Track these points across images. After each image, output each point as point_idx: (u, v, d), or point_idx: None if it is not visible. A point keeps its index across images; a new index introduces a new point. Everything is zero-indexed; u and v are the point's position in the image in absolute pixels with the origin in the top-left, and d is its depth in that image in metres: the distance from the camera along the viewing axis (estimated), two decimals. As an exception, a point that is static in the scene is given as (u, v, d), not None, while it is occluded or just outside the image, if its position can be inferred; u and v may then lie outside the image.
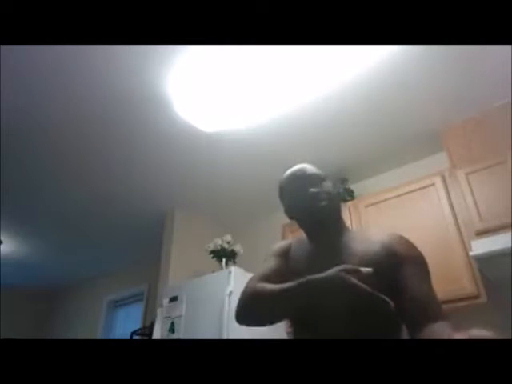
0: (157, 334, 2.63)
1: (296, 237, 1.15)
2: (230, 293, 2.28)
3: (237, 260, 2.81)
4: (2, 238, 3.91)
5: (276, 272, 1.03)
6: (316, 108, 2.34)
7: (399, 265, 0.92)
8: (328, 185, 1.05)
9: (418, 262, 0.96)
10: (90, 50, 1.89)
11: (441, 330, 0.79)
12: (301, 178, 1.06)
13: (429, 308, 0.86)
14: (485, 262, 1.91)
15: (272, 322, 0.99)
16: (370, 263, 0.89)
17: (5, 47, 1.82)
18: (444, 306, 2.01)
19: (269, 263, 1.07)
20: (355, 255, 0.95)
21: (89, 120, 2.40)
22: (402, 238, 1.00)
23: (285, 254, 1.08)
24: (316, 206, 1.01)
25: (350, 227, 1.10)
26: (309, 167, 1.09)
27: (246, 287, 1.00)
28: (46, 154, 2.71)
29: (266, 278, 1.00)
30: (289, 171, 1.12)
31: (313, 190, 1.01)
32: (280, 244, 1.14)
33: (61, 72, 2.04)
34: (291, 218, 1.10)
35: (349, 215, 2.58)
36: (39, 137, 2.53)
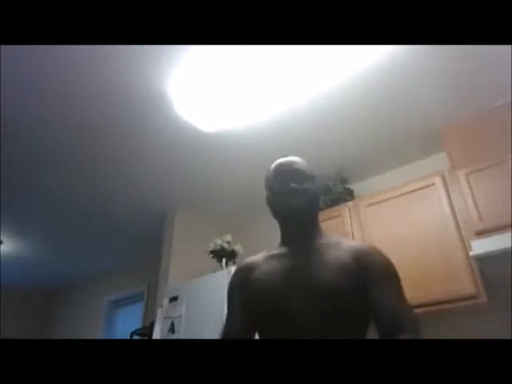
0: (157, 334, 2.63)
1: (267, 249, 1.12)
2: (230, 293, 2.27)
3: (237, 260, 2.81)
4: (2, 238, 3.91)
5: (242, 314, 1.03)
6: (316, 108, 2.34)
7: (368, 275, 0.92)
8: (311, 184, 1.03)
9: (387, 272, 0.94)
10: (91, 50, 1.89)
11: None
12: (286, 171, 1.04)
13: (397, 321, 0.86)
14: (485, 262, 1.91)
15: None
16: (339, 272, 0.92)
17: (5, 47, 1.82)
18: (443, 307, 1.99)
19: (232, 306, 1.08)
20: (325, 263, 0.95)
21: (89, 120, 2.40)
22: (372, 248, 1.00)
23: (244, 284, 1.04)
24: (291, 204, 0.99)
25: (324, 233, 1.07)
26: (298, 161, 1.07)
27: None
28: (46, 155, 2.71)
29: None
30: (277, 161, 1.10)
31: (293, 185, 1.00)
32: (236, 273, 1.11)
33: (62, 71, 2.04)
34: (270, 209, 1.08)
35: (349, 215, 2.58)
36: (40, 137, 2.53)
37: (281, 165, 1.07)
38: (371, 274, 0.92)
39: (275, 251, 1.06)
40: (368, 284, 0.91)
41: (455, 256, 2.07)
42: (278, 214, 1.05)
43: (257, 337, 1.02)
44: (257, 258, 1.10)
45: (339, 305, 0.89)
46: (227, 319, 1.07)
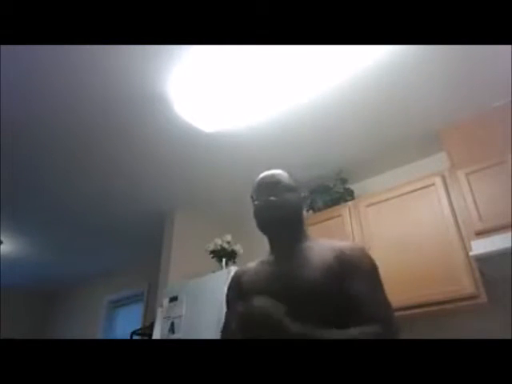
0: (157, 334, 2.63)
1: (263, 252, 1.17)
2: (230, 293, 2.27)
3: (237, 260, 2.81)
4: (2, 238, 3.91)
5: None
6: (316, 108, 2.34)
7: (348, 273, 0.96)
8: (292, 195, 1.08)
9: (368, 270, 0.99)
10: (91, 50, 1.89)
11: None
12: (264, 184, 1.10)
13: (373, 314, 0.91)
14: (485, 262, 1.91)
15: None
16: (321, 273, 0.96)
17: (5, 47, 1.82)
18: (443, 307, 1.99)
19: (229, 310, 1.15)
20: (308, 265, 0.99)
21: (88, 120, 2.40)
22: (353, 246, 1.06)
23: (238, 288, 1.11)
24: (266, 216, 1.06)
25: (310, 236, 1.12)
26: (277, 174, 1.12)
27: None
28: (46, 155, 2.71)
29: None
30: (260, 175, 1.15)
31: (270, 198, 1.06)
32: (232, 278, 1.18)
33: (62, 71, 2.03)
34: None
35: (349, 215, 2.58)
36: (40, 137, 2.53)
37: (261, 178, 1.13)
38: (351, 272, 0.96)
39: (263, 257, 1.13)
40: (348, 281, 0.95)
41: (455, 256, 2.07)
42: (257, 225, 1.10)
43: None
44: (250, 264, 1.16)
45: (322, 305, 0.93)
46: (225, 322, 1.14)
